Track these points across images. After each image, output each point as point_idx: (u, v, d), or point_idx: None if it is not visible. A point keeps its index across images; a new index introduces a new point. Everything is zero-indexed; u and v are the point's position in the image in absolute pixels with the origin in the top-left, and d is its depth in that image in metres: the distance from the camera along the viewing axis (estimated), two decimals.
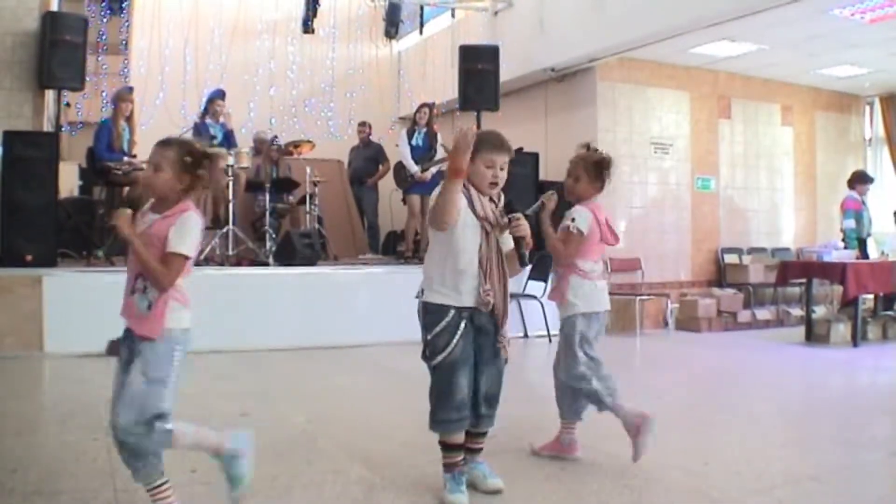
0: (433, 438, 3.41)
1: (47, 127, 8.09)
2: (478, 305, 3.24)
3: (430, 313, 3.27)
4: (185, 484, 3.36)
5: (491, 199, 3.31)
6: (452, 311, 3.23)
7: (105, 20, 10.60)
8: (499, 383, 3.39)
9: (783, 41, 9.03)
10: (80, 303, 6.62)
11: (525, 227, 3.24)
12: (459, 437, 3.30)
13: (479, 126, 9.23)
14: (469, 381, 3.26)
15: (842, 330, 8.47)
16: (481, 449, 3.50)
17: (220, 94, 9.17)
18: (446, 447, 3.30)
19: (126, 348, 2.93)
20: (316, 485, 3.54)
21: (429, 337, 3.26)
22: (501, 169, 3.28)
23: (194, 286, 7.22)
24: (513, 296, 3.54)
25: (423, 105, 9.42)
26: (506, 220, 3.26)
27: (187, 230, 2.95)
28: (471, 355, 3.27)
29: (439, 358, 3.22)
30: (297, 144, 9.76)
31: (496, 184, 3.28)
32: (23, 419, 4.68)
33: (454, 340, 3.21)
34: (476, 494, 3.33)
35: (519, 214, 3.26)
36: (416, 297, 3.34)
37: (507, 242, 3.35)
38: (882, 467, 3.99)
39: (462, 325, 3.23)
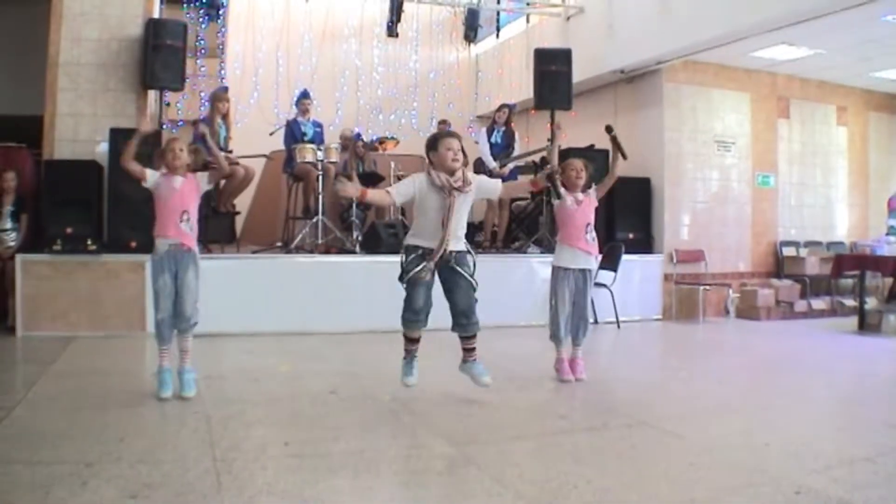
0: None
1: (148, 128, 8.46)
2: (437, 248, 4.50)
3: (405, 251, 4.63)
4: (278, 456, 3.58)
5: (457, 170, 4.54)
6: (420, 251, 4.57)
7: (203, 26, 11.02)
8: (468, 299, 4.63)
9: (838, 45, 9.13)
10: None
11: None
12: (416, 334, 4.72)
13: (552, 123, 9.60)
14: (425, 296, 4.57)
15: (893, 320, 8.68)
16: (474, 348, 4.78)
17: (305, 94, 9.55)
18: (406, 339, 4.75)
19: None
20: (401, 459, 3.65)
21: (403, 264, 4.60)
22: (459, 149, 4.56)
23: (286, 272, 7.89)
24: None
25: (503, 105, 9.76)
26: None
27: None
28: (427, 282, 4.56)
29: (406, 277, 4.56)
30: (381, 141, 10.21)
31: (456, 160, 4.52)
32: (128, 393, 4.87)
33: (417, 268, 4.52)
34: (536, 482, 3.42)
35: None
36: (404, 242, 4.66)
37: (490, 186, 4.86)
38: None
39: (425, 259, 4.53)
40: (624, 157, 5.56)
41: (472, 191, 4.63)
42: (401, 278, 4.62)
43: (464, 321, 4.69)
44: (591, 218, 5.52)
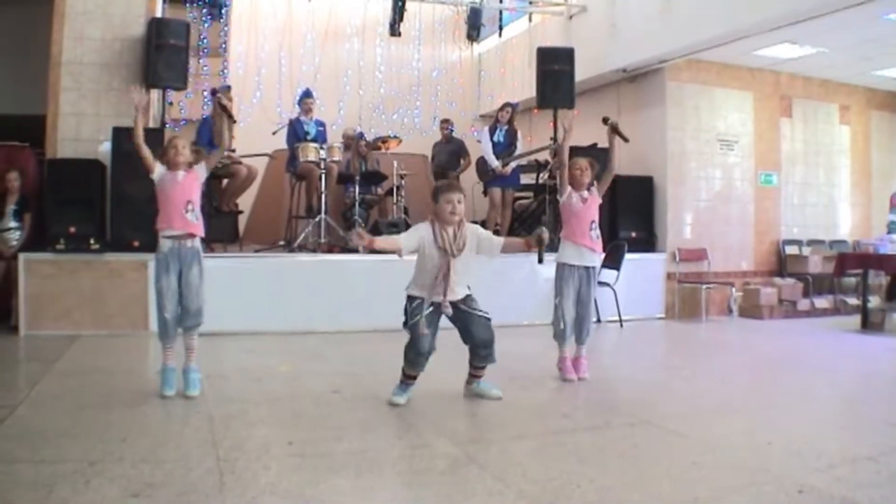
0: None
1: (152, 124, 8.20)
2: (437, 301, 4.58)
3: (409, 300, 4.68)
4: (281, 456, 3.59)
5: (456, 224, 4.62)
6: (419, 300, 4.63)
7: (206, 25, 11.05)
8: (488, 332, 4.71)
9: (841, 44, 9.14)
10: None
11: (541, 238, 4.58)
12: (415, 372, 4.70)
13: (555, 123, 9.69)
14: (431, 342, 4.60)
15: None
16: (482, 375, 4.90)
17: (307, 93, 9.55)
18: (405, 376, 4.74)
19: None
20: (403, 458, 3.67)
21: (407, 311, 4.66)
22: (459, 202, 4.61)
23: (289, 271, 7.88)
24: None
25: (506, 104, 9.74)
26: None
27: None
28: (433, 326, 4.61)
29: (410, 322, 4.62)
30: (384, 140, 10.21)
31: (455, 213, 4.59)
32: (131, 392, 4.87)
33: (420, 316, 4.56)
34: (546, 482, 3.46)
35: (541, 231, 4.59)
36: (406, 289, 4.70)
37: (491, 245, 4.77)
38: None
39: (427, 308, 4.59)
40: (625, 139, 5.70)
41: (470, 249, 4.68)
42: (405, 325, 4.69)
43: (483, 352, 4.78)
44: (596, 216, 5.57)
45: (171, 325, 4.83)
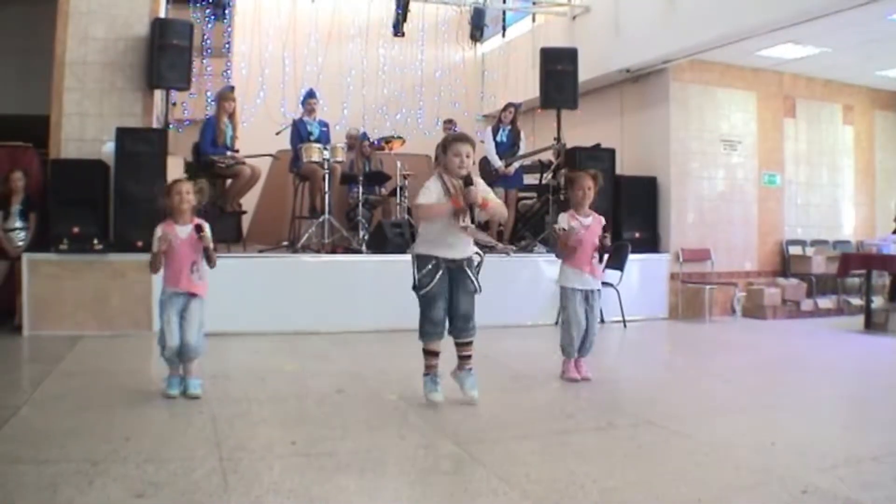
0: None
1: (156, 124, 8.33)
2: (449, 256, 4.51)
3: (418, 260, 4.56)
4: (285, 455, 3.60)
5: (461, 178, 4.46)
6: (434, 260, 4.52)
7: (209, 26, 11.12)
8: (470, 304, 4.61)
9: (844, 44, 9.13)
10: None
11: (472, 195, 4.42)
12: (436, 346, 4.62)
13: (558, 123, 9.62)
14: (444, 307, 4.53)
15: None
16: (470, 356, 4.71)
17: (311, 94, 9.55)
18: (427, 353, 4.64)
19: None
20: (407, 458, 3.66)
21: (417, 276, 4.55)
22: (467, 156, 4.49)
23: (293, 272, 7.89)
24: None
25: (509, 105, 9.74)
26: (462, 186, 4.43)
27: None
28: (445, 289, 4.54)
29: (423, 291, 4.51)
30: (388, 140, 10.18)
31: (463, 166, 4.46)
32: (134, 392, 4.88)
33: (434, 280, 4.49)
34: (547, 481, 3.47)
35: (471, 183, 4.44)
36: (408, 251, 4.51)
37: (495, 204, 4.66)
38: None
39: (440, 269, 4.50)
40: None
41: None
42: (415, 289, 4.58)
43: (461, 324, 4.66)
44: (597, 240, 5.51)
45: (173, 357, 4.82)
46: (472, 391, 4.71)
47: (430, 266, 4.54)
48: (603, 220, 5.58)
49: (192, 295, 4.83)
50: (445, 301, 4.57)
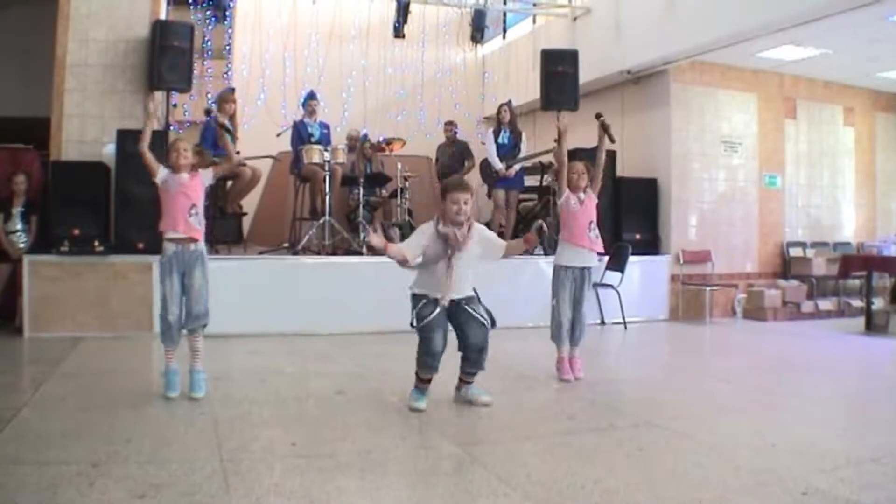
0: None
1: (156, 126, 8.22)
2: (441, 296, 4.52)
3: (414, 299, 4.60)
4: (286, 457, 3.62)
5: (462, 224, 4.52)
6: (426, 299, 4.54)
7: (210, 27, 11.09)
8: (483, 335, 4.61)
9: (845, 46, 9.15)
10: None
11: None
12: (431, 376, 4.60)
13: (557, 122, 9.67)
14: (443, 341, 4.51)
15: None
16: (472, 381, 4.77)
17: (311, 95, 9.58)
18: (420, 380, 4.64)
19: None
20: (408, 459, 3.69)
21: (414, 312, 4.56)
22: (465, 203, 4.49)
23: (293, 273, 7.89)
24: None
25: (502, 105, 9.78)
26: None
27: None
28: (444, 323, 4.54)
29: (422, 323, 4.51)
30: (388, 142, 10.13)
31: (460, 214, 4.48)
32: (136, 393, 4.87)
33: (433, 314, 4.49)
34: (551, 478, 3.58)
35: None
36: (409, 288, 4.62)
37: (493, 248, 4.70)
38: None
39: (435, 306, 4.51)
40: (612, 140, 5.87)
41: (474, 247, 4.59)
42: (414, 325, 4.60)
43: (474, 356, 4.67)
44: (594, 216, 5.68)
45: (174, 328, 4.82)
46: (483, 396, 4.77)
47: (425, 301, 4.56)
48: (596, 200, 5.73)
49: (191, 247, 4.83)
50: (445, 333, 4.56)
